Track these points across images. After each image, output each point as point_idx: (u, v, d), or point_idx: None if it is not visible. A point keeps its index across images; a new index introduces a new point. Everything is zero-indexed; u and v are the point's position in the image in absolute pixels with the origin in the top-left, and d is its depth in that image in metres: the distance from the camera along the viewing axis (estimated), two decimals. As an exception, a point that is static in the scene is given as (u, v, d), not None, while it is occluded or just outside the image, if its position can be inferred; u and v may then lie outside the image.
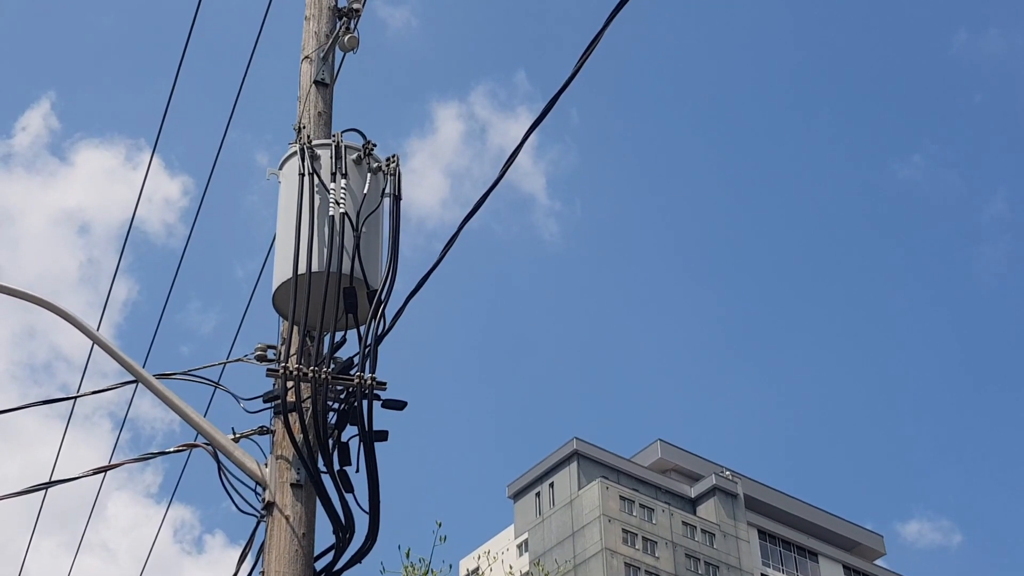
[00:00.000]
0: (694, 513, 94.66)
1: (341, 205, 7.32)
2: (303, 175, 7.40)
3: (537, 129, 7.45)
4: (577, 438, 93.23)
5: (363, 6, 8.14)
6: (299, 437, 7.02)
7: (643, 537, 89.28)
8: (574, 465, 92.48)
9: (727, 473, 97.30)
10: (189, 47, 8.70)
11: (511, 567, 38.55)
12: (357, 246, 7.26)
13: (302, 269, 7.20)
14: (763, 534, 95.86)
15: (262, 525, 7.18)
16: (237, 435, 7.42)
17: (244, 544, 7.56)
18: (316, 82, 7.99)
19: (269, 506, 7.01)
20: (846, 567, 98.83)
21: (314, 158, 7.47)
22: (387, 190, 7.58)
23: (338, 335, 7.32)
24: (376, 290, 7.30)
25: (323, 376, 7.03)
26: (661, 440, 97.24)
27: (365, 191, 7.44)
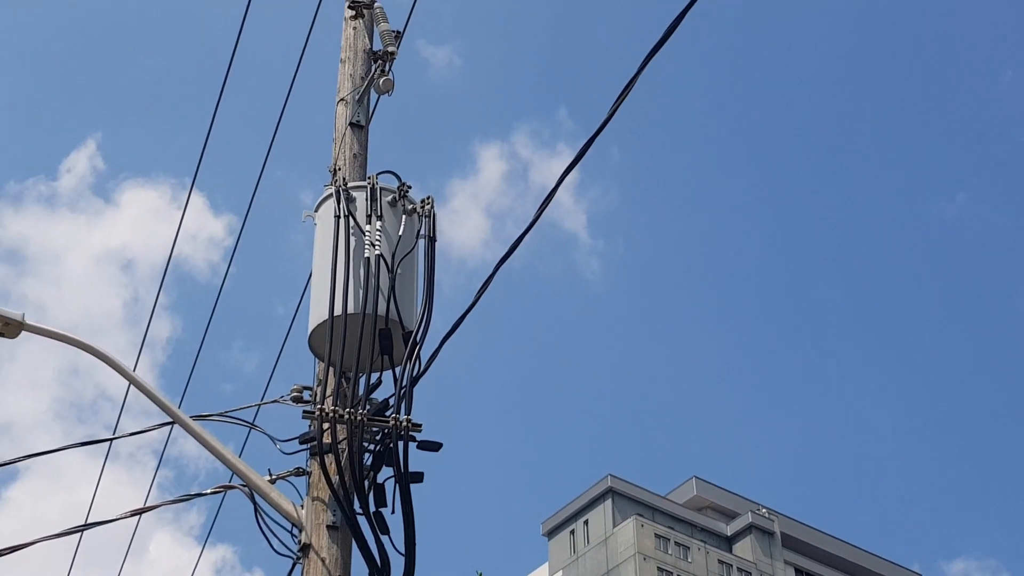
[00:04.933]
0: (730, 551, 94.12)
1: (376, 247, 7.35)
2: (338, 217, 7.43)
3: (577, 167, 7.39)
4: (612, 475, 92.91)
5: (398, 49, 8.16)
6: (335, 479, 7.04)
7: (678, 575, 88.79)
8: (609, 502, 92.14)
9: (763, 511, 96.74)
10: (232, 87, 8.80)
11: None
12: (392, 288, 7.27)
13: (338, 311, 7.21)
14: (800, 573, 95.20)
15: (298, 567, 7.19)
16: (273, 476, 7.44)
17: (280, 586, 7.56)
18: (351, 124, 8.02)
19: (305, 548, 7.02)
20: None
21: (349, 200, 7.49)
22: (422, 231, 7.59)
23: (374, 376, 7.35)
24: (411, 331, 7.30)
25: (359, 418, 7.04)
26: (696, 477, 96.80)
27: (400, 233, 7.46)
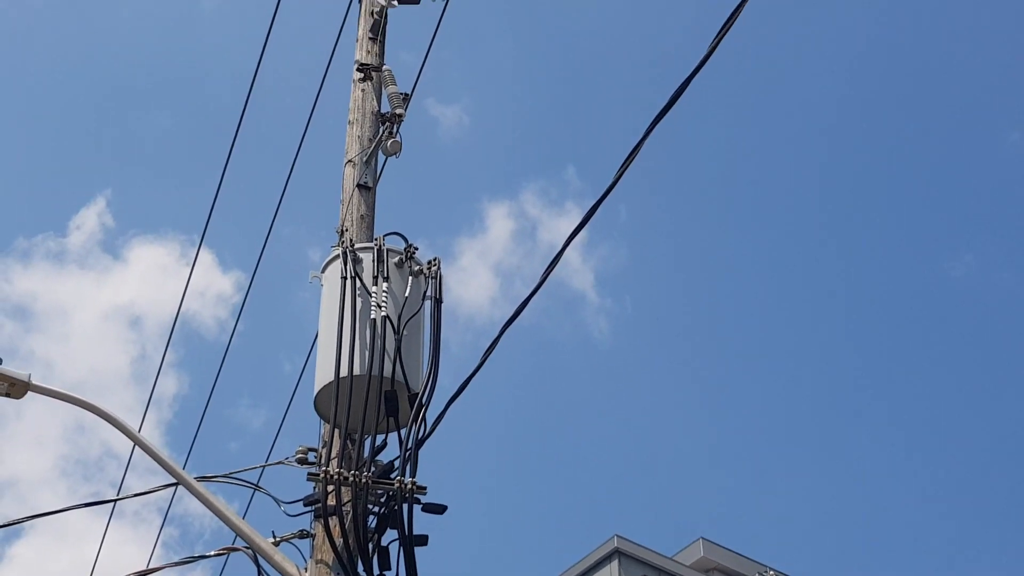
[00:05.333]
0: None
1: (383, 308, 7.30)
2: (345, 278, 7.40)
3: (586, 226, 7.34)
4: (618, 535, 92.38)
5: (406, 111, 8.16)
6: (339, 541, 6.98)
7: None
8: (615, 563, 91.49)
9: (771, 573, 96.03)
10: (242, 146, 8.89)
11: (551, 668, 38.00)
12: (398, 349, 7.24)
13: (343, 372, 7.18)
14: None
15: (301, 630, 7.11)
16: (277, 539, 7.38)
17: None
18: (359, 185, 8.00)
19: (309, 611, 6.95)
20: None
21: (356, 261, 7.47)
22: (428, 293, 7.56)
23: (379, 438, 7.31)
24: (417, 393, 7.27)
25: (363, 480, 7.00)
26: (704, 538, 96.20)
27: (407, 294, 7.43)
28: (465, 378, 7.47)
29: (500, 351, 7.41)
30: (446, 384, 7.37)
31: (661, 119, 6.99)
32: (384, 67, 8.46)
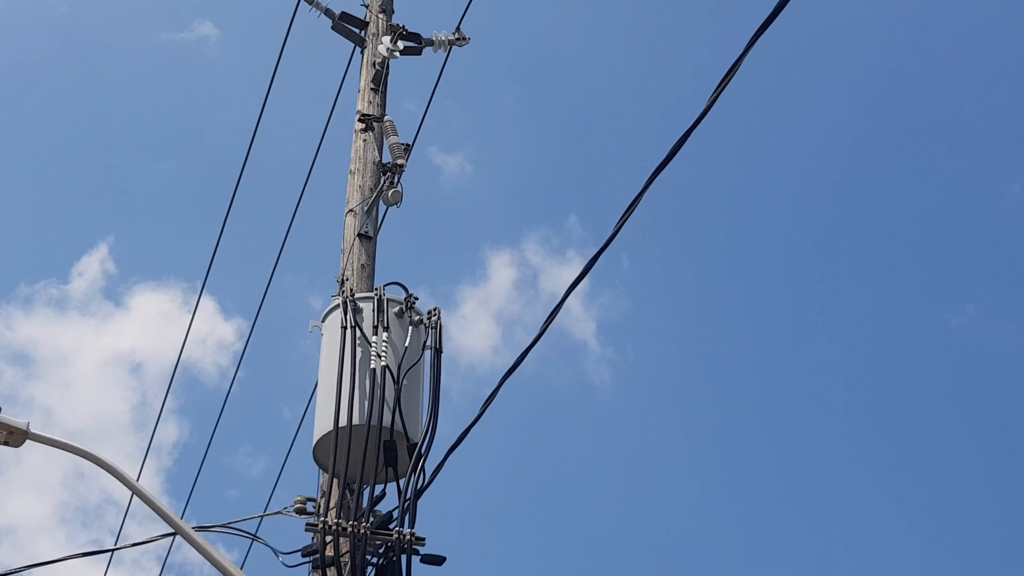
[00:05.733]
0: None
1: (382, 358, 7.22)
2: (345, 328, 7.31)
3: (588, 275, 7.26)
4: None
5: (407, 162, 8.10)
6: (337, 592, 6.85)
7: None
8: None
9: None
10: (244, 194, 8.92)
11: None
12: (398, 399, 7.17)
13: (343, 422, 7.10)
14: None
15: None
16: (275, 589, 7.29)
17: None
18: (360, 235, 7.95)
19: (306, 662, 6.85)
20: None
21: (356, 311, 7.38)
22: (428, 343, 7.48)
23: (378, 488, 7.24)
24: (416, 443, 7.21)
25: (362, 531, 6.93)
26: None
27: (406, 344, 7.34)
28: (465, 427, 7.40)
29: (501, 400, 7.38)
30: (446, 433, 7.33)
31: (661, 171, 6.92)
32: (385, 117, 8.43)
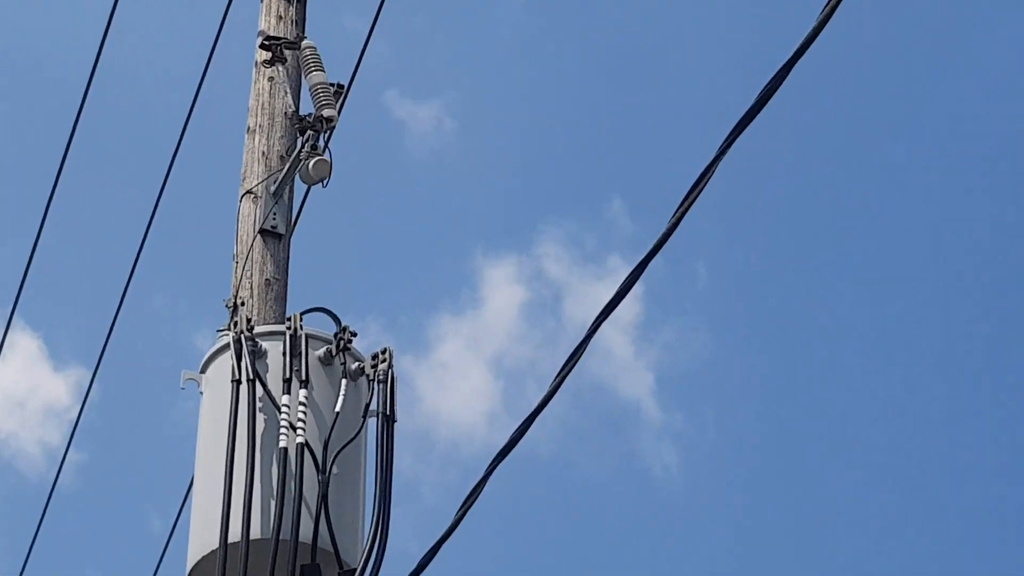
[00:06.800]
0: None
1: (299, 431, 5.66)
2: (237, 382, 5.70)
3: (639, 294, 5.72)
4: None
5: (339, 112, 6.42)
6: None
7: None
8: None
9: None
10: (79, 165, 7.69)
11: None
12: (324, 498, 5.66)
13: (234, 536, 5.63)
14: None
15: None
16: None
17: None
18: (263, 231, 6.35)
19: None
20: None
21: (257, 355, 5.79)
22: (374, 406, 5.88)
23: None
24: (354, 570, 5.71)
25: None
26: None
27: (337, 408, 5.77)
28: (435, 540, 5.54)
29: (500, 497, 6.32)
30: (406, 552, 5.78)
31: (749, 122, 4.72)
32: (305, 42, 6.69)
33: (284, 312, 6.32)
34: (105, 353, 7.73)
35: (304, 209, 6.62)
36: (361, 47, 6.65)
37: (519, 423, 5.43)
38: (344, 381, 5.79)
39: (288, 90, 6.78)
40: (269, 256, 6.37)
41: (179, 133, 7.10)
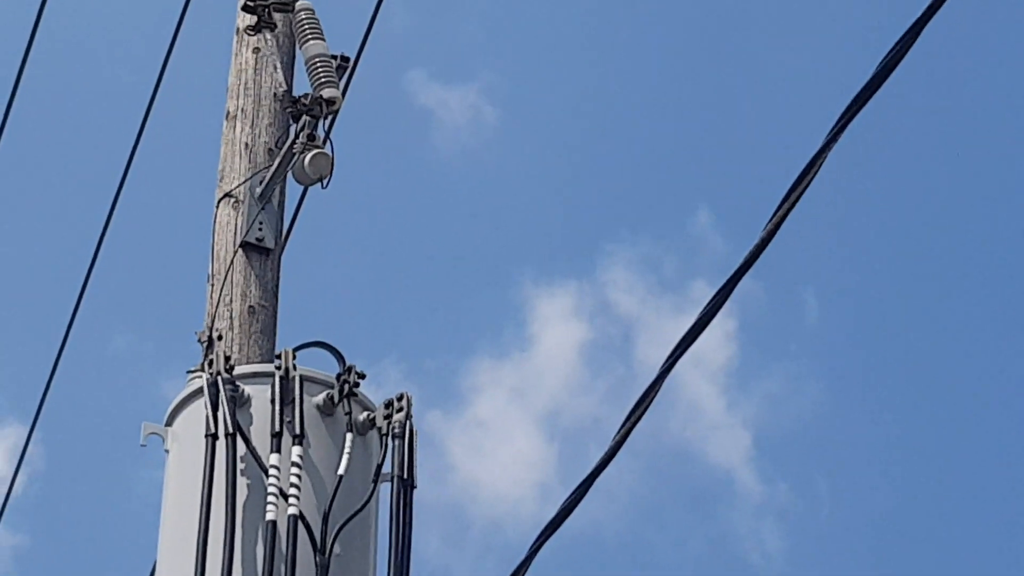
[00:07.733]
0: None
1: (291, 500, 4.88)
2: (213, 436, 4.90)
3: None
4: None
5: (344, 94, 5.52)
6: None
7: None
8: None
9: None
10: (16, 159, 6.19)
11: None
12: None
13: None
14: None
15: None
16: None
17: None
18: (245, 245, 5.54)
19: None
20: None
21: (238, 402, 4.96)
22: (388, 467, 5.07)
23: None
24: None
25: None
26: None
27: (341, 470, 5.00)
28: None
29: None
30: None
31: (859, 110, 4.04)
32: (300, 2, 5.76)
33: (273, 348, 5.55)
34: (44, 406, 6.60)
35: (298, 217, 5.78)
36: (371, 15, 5.73)
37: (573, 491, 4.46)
38: (349, 436, 4.94)
39: (278, 65, 5.96)
40: (254, 276, 5.57)
41: (139, 123, 6.15)
